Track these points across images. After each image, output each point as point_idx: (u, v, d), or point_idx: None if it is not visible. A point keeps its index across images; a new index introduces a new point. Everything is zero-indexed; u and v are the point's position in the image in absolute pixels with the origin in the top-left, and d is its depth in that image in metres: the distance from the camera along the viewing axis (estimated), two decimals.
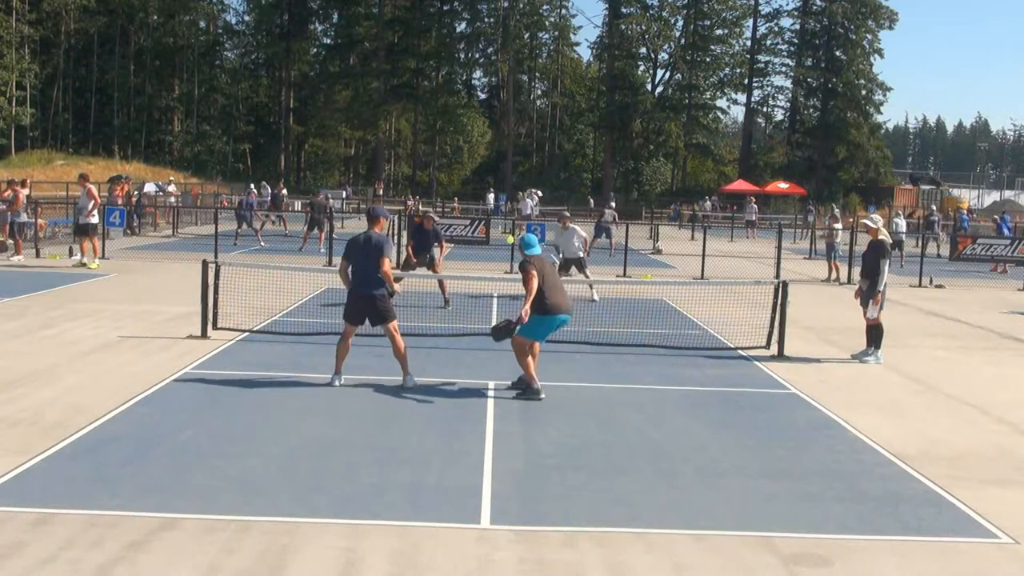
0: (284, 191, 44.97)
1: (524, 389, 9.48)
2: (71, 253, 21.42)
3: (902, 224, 28.81)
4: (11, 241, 21.60)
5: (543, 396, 9.35)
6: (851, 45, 70.07)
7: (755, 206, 46.41)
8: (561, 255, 17.28)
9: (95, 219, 20.41)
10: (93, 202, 20.33)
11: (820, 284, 22.46)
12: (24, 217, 21.81)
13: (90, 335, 12.01)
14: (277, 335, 12.47)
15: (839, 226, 24.89)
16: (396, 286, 9.86)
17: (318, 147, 78.86)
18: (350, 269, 9.62)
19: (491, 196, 50.73)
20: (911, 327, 15.55)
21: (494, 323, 9.94)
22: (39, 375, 9.68)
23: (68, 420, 7.97)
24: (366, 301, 9.53)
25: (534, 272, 9.34)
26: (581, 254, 17.11)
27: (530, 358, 9.45)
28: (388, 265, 9.54)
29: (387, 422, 8.33)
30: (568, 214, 18.19)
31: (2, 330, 12.19)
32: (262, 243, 27.50)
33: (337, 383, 9.61)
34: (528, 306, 9.35)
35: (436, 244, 15.86)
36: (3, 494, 6.20)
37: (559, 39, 79.64)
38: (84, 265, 19.81)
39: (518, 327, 9.37)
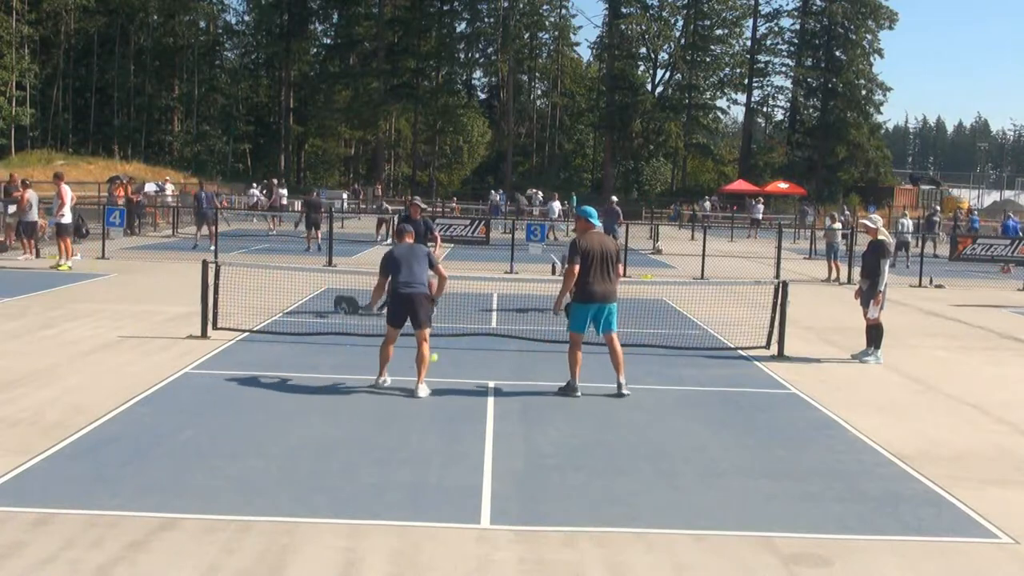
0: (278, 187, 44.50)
1: (565, 384, 9.58)
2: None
3: (908, 224, 28.72)
4: (19, 241, 21.43)
5: (579, 394, 9.43)
6: (851, 45, 70.13)
7: (761, 206, 46.65)
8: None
9: (64, 219, 20.15)
10: (59, 202, 20.22)
11: (820, 284, 22.46)
12: (33, 216, 21.64)
13: (90, 335, 12.01)
14: (277, 335, 12.46)
15: (838, 225, 24.91)
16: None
17: (318, 147, 78.89)
18: (389, 279, 9.48)
19: (496, 195, 49.23)
20: (911, 327, 15.55)
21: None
22: (39, 375, 9.67)
23: (68, 420, 7.97)
24: (412, 300, 9.34)
25: (576, 259, 9.30)
26: None
27: (577, 352, 9.48)
28: (442, 268, 9.61)
29: (387, 422, 8.33)
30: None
31: (2, 330, 12.19)
32: (207, 243, 25.21)
33: (385, 382, 9.57)
34: (560, 297, 9.59)
35: (429, 239, 13.95)
36: (3, 494, 6.20)
37: (559, 39, 79.69)
38: (58, 267, 19.59)
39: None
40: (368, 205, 48.57)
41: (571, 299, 9.61)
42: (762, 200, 48.61)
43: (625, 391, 9.54)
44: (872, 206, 45.55)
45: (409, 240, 9.82)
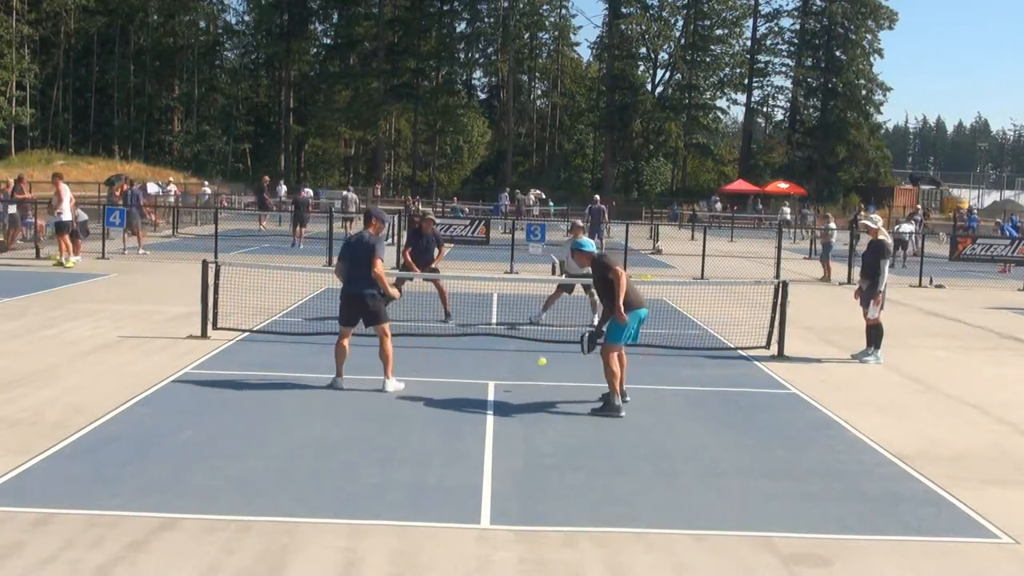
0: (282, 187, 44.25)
1: (604, 403, 8.96)
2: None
3: (905, 225, 28.84)
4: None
5: (623, 414, 8.81)
6: (851, 45, 70.17)
7: (788, 207, 47.22)
8: (565, 273, 14.98)
9: (64, 217, 19.98)
10: (57, 199, 20.10)
11: (820, 284, 22.48)
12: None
13: (90, 335, 12.01)
14: (277, 335, 12.47)
15: (834, 225, 24.97)
16: (394, 290, 9.73)
17: (318, 147, 78.88)
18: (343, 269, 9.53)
19: (504, 195, 48.75)
20: (911, 327, 15.55)
21: (581, 334, 9.44)
22: (39, 375, 9.68)
23: (68, 420, 7.97)
24: (356, 301, 9.40)
25: (620, 266, 9.12)
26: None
27: (618, 367, 8.91)
28: (380, 267, 9.34)
29: (387, 422, 8.33)
30: (582, 223, 16.17)
31: (2, 330, 12.19)
32: (141, 250, 23.50)
33: (339, 385, 9.56)
34: (621, 304, 8.85)
35: (436, 248, 14.41)
36: (3, 494, 6.20)
37: (559, 39, 79.71)
38: (61, 264, 19.62)
39: (607, 331, 9.04)
40: (367, 206, 48.42)
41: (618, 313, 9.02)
42: (787, 202, 49.33)
43: (627, 398, 9.29)
44: (872, 206, 45.58)
45: (371, 230, 9.56)
